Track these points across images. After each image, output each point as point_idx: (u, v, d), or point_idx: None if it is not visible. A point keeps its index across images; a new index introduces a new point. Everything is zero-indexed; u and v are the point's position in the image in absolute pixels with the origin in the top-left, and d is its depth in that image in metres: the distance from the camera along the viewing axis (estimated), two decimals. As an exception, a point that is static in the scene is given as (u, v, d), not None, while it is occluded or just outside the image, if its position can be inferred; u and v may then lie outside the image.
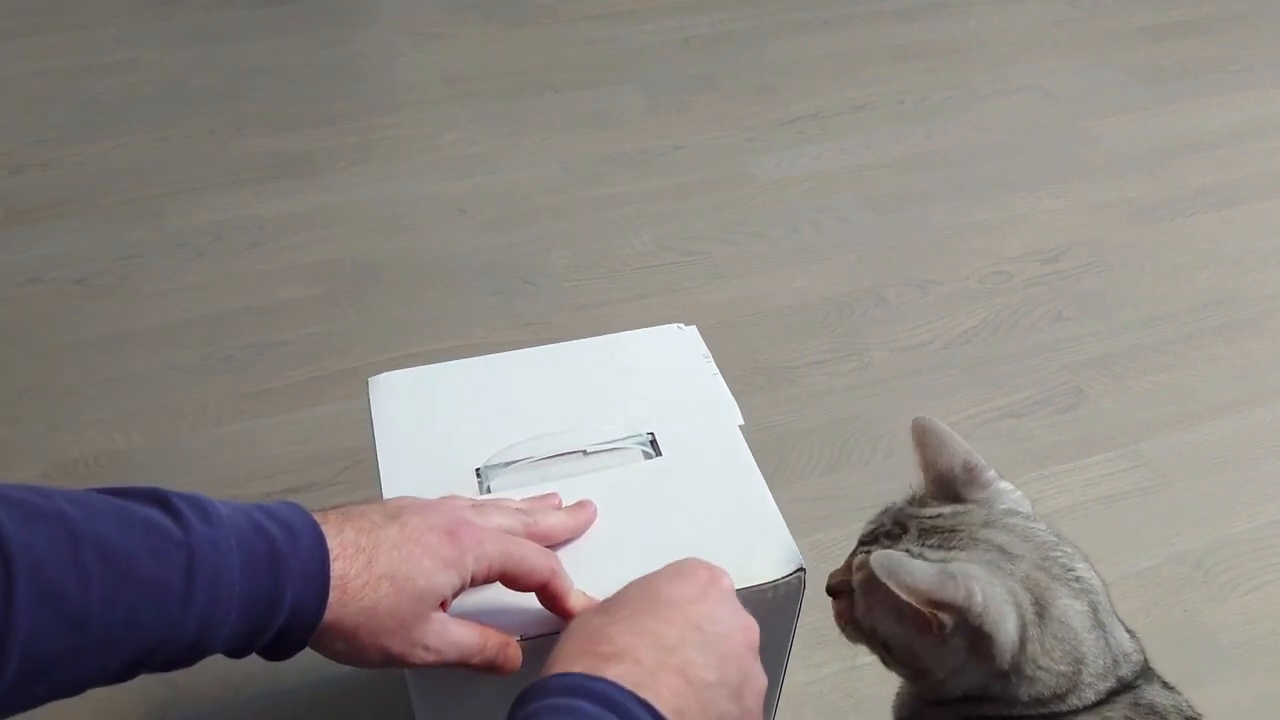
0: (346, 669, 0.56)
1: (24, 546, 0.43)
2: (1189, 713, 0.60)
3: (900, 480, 0.69)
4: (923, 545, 0.61)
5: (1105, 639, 0.59)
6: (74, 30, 1.98)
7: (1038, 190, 1.63)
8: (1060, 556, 0.60)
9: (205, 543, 0.48)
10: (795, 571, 0.63)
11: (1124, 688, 0.59)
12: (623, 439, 0.71)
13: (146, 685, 0.90)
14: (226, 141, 1.69)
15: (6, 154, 1.65)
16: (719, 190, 1.61)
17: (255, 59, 1.90)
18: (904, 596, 0.55)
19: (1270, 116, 1.81)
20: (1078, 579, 0.60)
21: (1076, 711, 0.58)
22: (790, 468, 1.18)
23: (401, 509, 0.56)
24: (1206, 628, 1.04)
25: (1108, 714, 0.58)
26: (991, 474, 0.64)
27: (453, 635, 0.55)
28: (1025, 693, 0.58)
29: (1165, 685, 0.61)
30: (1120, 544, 1.09)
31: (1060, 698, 0.58)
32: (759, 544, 0.64)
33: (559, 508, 0.64)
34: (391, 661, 0.54)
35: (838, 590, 0.66)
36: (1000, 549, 0.60)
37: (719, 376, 0.77)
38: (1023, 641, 0.57)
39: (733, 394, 0.76)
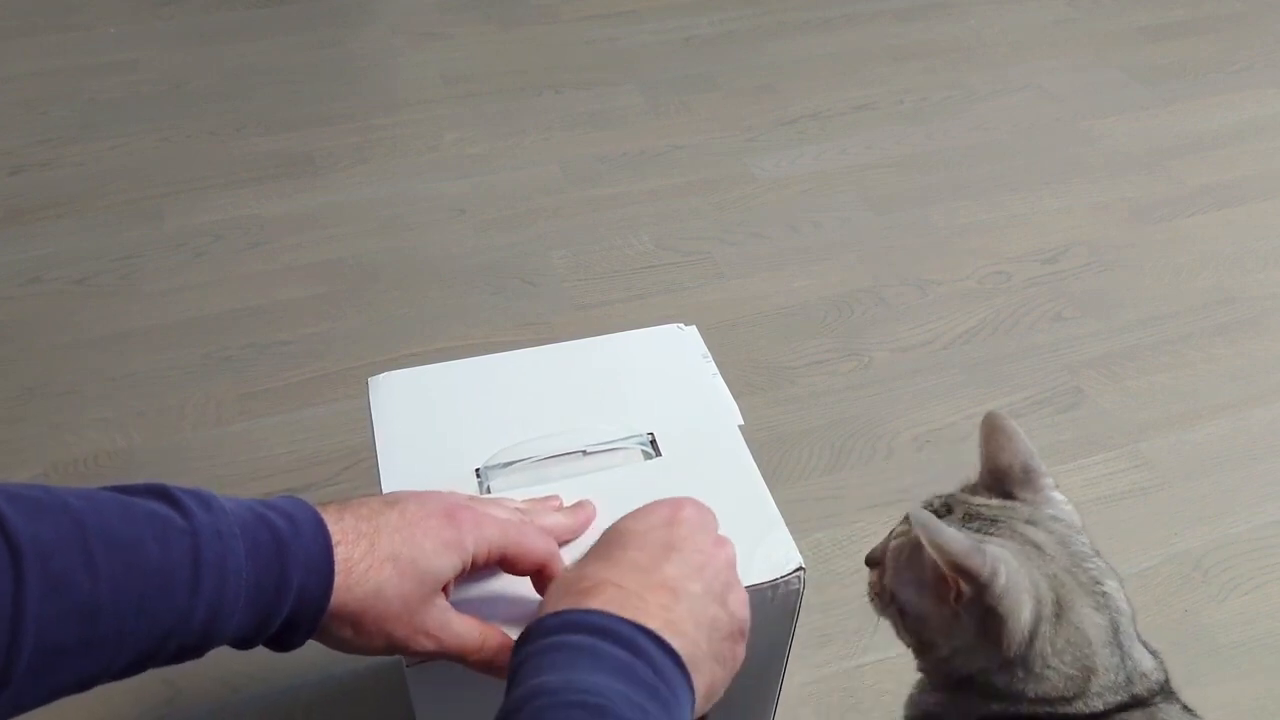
0: (345, 668, 0.56)
1: (32, 539, 0.43)
2: None
3: (900, 480, 0.69)
4: (964, 526, 0.61)
5: (1121, 657, 0.59)
6: (74, 30, 1.98)
7: (1037, 190, 1.63)
8: (1092, 569, 0.61)
9: (209, 531, 0.48)
10: (795, 571, 0.63)
11: (1139, 703, 0.59)
12: (622, 439, 0.71)
13: (146, 685, 0.90)
14: (226, 141, 1.69)
15: (6, 154, 1.65)
16: (719, 190, 1.61)
17: (255, 59, 1.91)
18: (932, 553, 0.56)
19: (1270, 116, 1.81)
20: (1104, 594, 0.60)
21: (1083, 717, 0.58)
22: (790, 468, 1.18)
23: (400, 497, 0.56)
24: (1206, 628, 1.04)
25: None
26: (1049, 481, 0.64)
27: (454, 626, 0.55)
28: (1032, 689, 0.58)
29: (1186, 708, 0.60)
30: (1120, 544, 1.09)
31: (1066, 700, 0.58)
32: (759, 544, 0.64)
33: (559, 509, 0.64)
34: (394, 648, 0.54)
35: (876, 560, 0.66)
36: (1036, 545, 0.60)
37: (719, 376, 0.77)
38: (1033, 636, 0.57)
39: (733, 394, 0.76)
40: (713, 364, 0.79)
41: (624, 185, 1.61)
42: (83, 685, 0.46)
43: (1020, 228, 1.55)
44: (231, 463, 1.18)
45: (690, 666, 0.48)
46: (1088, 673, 0.58)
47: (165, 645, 0.47)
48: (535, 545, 0.57)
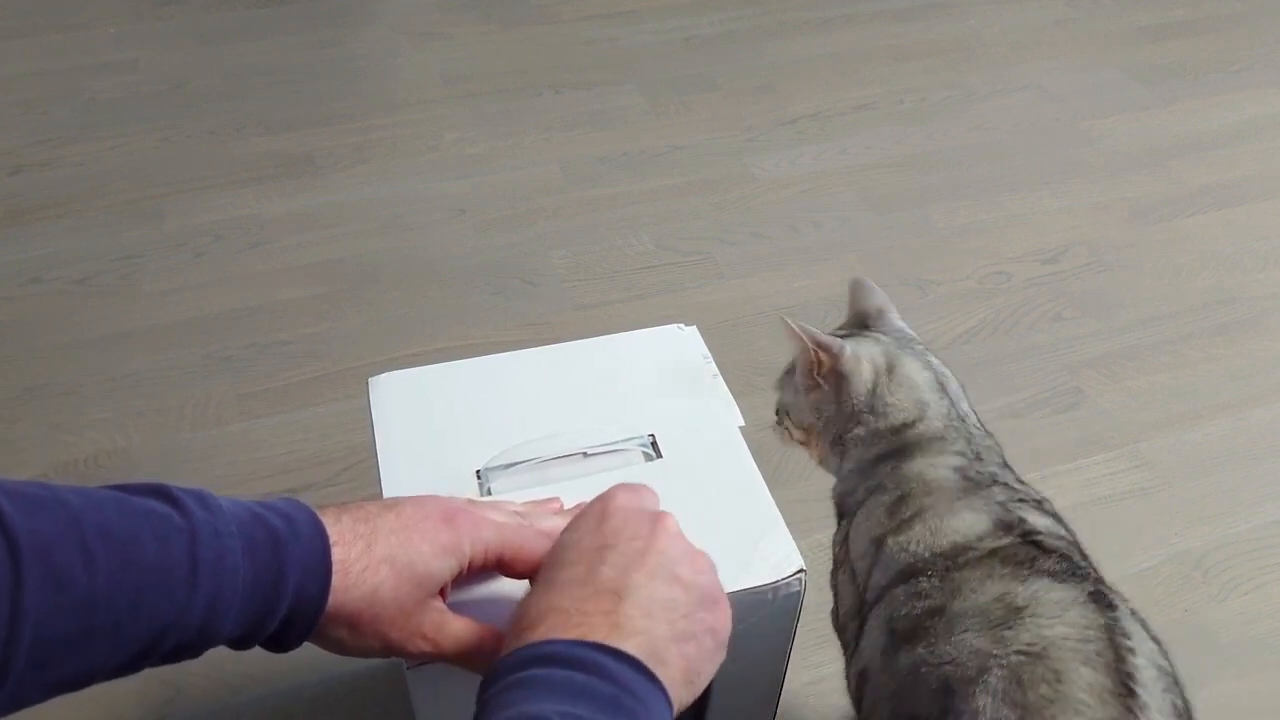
0: (345, 669, 0.56)
1: (30, 533, 0.43)
2: (1038, 496, 0.72)
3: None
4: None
5: (950, 403, 0.75)
6: (74, 30, 1.98)
7: (1037, 190, 1.63)
8: (923, 349, 0.79)
9: (207, 529, 0.48)
10: (795, 573, 0.63)
11: (979, 458, 0.72)
12: (623, 440, 0.71)
13: (146, 685, 0.91)
14: (226, 141, 1.69)
15: (6, 154, 1.65)
16: (719, 190, 1.61)
17: (255, 59, 1.91)
18: (802, 336, 0.75)
19: (1270, 116, 1.81)
20: (929, 362, 0.78)
21: (929, 439, 0.73)
22: (790, 468, 1.18)
23: (398, 501, 0.57)
24: (1206, 627, 1.04)
25: (964, 465, 0.72)
26: (895, 316, 0.83)
27: (450, 629, 0.55)
28: (883, 424, 0.75)
29: (1020, 480, 0.74)
30: (1120, 544, 1.09)
31: (910, 425, 0.74)
32: (759, 545, 0.64)
33: (559, 511, 0.64)
34: (390, 650, 0.54)
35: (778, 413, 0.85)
36: (877, 339, 0.79)
37: (719, 377, 0.77)
38: (874, 387, 0.75)
39: (733, 394, 0.76)
40: (713, 364, 0.79)
41: (624, 185, 1.61)
42: (81, 682, 0.46)
43: (1020, 228, 1.55)
44: (231, 463, 1.18)
45: (652, 661, 0.47)
46: (922, 406, 0.75)
47: (163, 642, 0.47)
48: (533, 547, 0.57)
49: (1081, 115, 1.80)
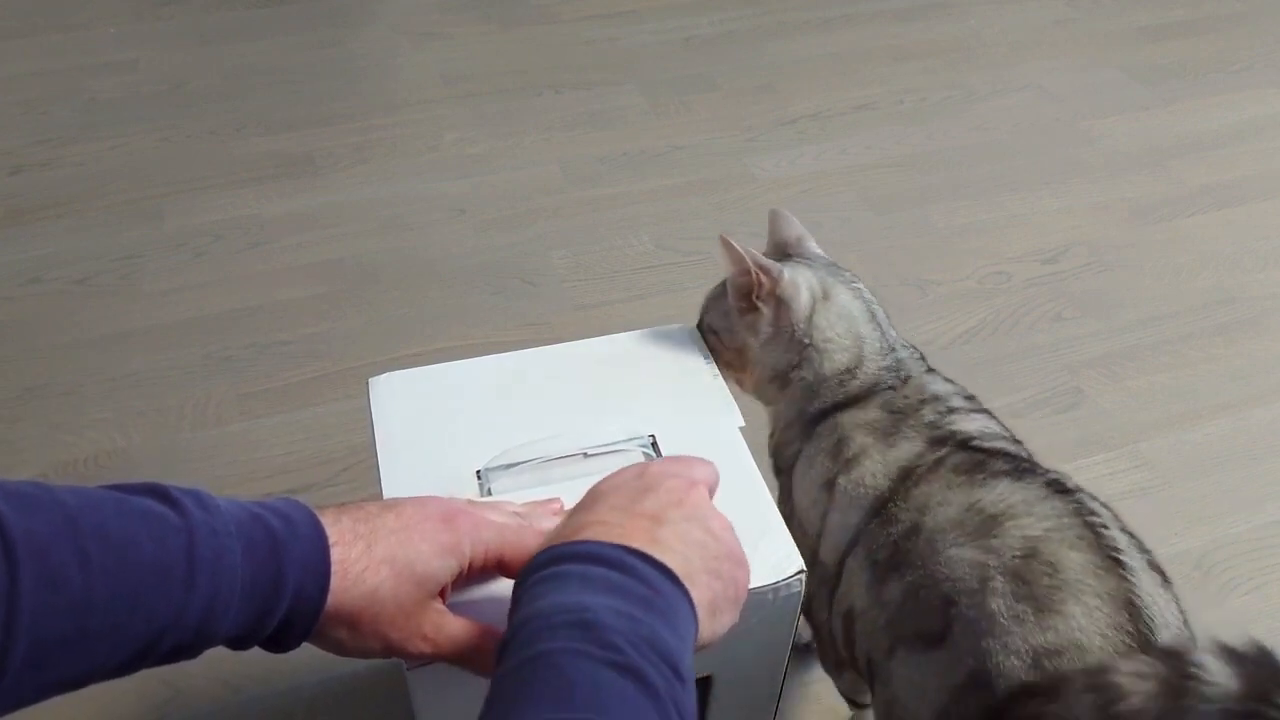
0: (345, 669, 0.56)
1: (26, 533, 0.43)
2: (966, 393, 0.78)
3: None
4: None
5: (881, 331, 0.79)
6: (74, 30, 1.98)
7: (1037, 190, 1.63)
8: (850, 276, 0.82)
9: (204, 528, 0.48)
10: (795, 573, 0.63)
11: (907, 381, 0.76)
12: (623, 441, 0.71)
13: (146, 685, 0.91)
14: (226, 141, 1.69)
15: (6, 154, 1.65)
16: (719, 190, 1.61)
17: (255, 59, 1.91)
18: (745, 257, 0.77)
19: (1270, 116, 1.81)
20: (859, 290, 0.81)
21: (867, 390, 0.76)
22: (790, 468, 1.18)
23: (398, 501, 0.57)
24: (1206, 627, 1.04)
25: (890, 399, 0.75)
26: (813, 244, 0.87)
27: (450, 629, 0.55)
28: (827, 366, 0.77)
29: (946, 379, 0.79)
30: (1120, 544, 1.09)
31: (851, 373, 0.77)
32: (759, 546, 0.64)
33: (559, 512, 0.64)
34: (390, 651, 0.54)
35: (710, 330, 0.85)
36: (810, 266, 0.82)
37: (719, 378, 0.77)
38: (811, 314, 0.78)
39: (733, 395, 0.76)
40: (713, 365, 0.79)
41: (624, 185, 1.61)
42: (78, 682, 0.46)
43: (1020, 228, 1.55)
44: (231, 463, 1.18)
45: (685, 579, 0.49)
46: (859, 341, 0.78)
47: (161, 642, 0.47)
48: (533, 548, 0.57)
49: (1081, 115, 1.80)
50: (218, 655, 0.52)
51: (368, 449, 0.71)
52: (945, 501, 0.67)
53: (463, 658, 0.55)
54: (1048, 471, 0.69)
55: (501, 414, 0.73)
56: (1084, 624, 0.59)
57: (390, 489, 0.67)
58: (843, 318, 0.78)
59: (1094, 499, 0.68)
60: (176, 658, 0.49)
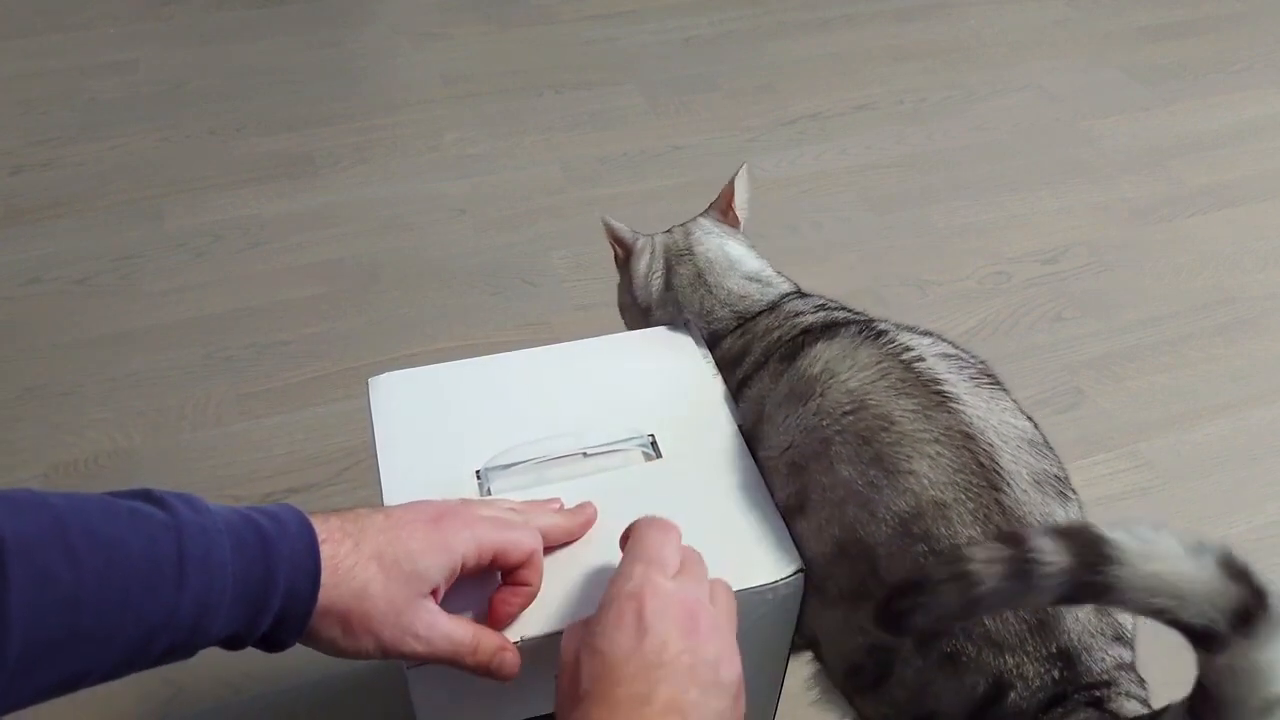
0: (345, 668, 0.56)
1: (14, 534, 0.43)
2: (829, 304, 0.80)
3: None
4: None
5: (708, 290, 0.82)
6: (74, 30, 1.98)
7: (1037, 190, 1.63)
8: (695, 232, 0.89)
9: (193, 526, 0.48)
10: (795, 572, 0.63)
11: (771, 309, 0.79)
12: (623, 440, 0.71)
13: (147, 684, 0.90)
14: (226, 141, 1.69)
15: (6, 154, 1.65)
16: (719, 190, 1.61)
17: (255, 59, 1.91)
18: (608, 232, 0.93)
19: (1270, 116, 1.81)
20: (720, 242, 0.87)
21: (726, 329, 0.80)
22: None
23: (389, 506, 0.57)
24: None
25: (748, 327, 0.79)
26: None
27: (443, 627, 0.55)
28: (687, 310, 0.82)
29: (817, 304, 0.80)
30: (1120, 544, 1.09)
31: (706, 318, 0.81)
32: (759, 545, 0.64)
33: (558, 511, 0.64)
34: (384, 651, 0.54)
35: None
36: (669, 233, 0.90)
37: (719, 377, 0.77)
38: (649, 273, 0.86)
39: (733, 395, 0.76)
40: (713, 364, 0.79)
41: (624, 185, 1.61)
42: (72, 684, 0.46)
43: (1020, 228, 1.55)
44: (231, 463, 1.18)
45: None
46: (710, 289, 0.82)
47: (154, 642, 0.47)
48: (526, 544, 0.58)
49: (1081, 115, 1.80)
50: (219, 655, 0.52)
51: (368, 449, 0.71)
52: (776, 385, 0.70)
53: (457, 657, 0.55)
54: (858, 318, 0.72)
55: (501, 414, 0.73)
56: (934, 477, 0.60)
57: (390, 489, 0.67)
58: (688, 281, 0.83)
59: (909, 331, 0.68)
60: (171, 658, 0.49)
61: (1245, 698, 0.46)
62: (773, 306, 0.80)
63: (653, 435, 0.72)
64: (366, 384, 0.76)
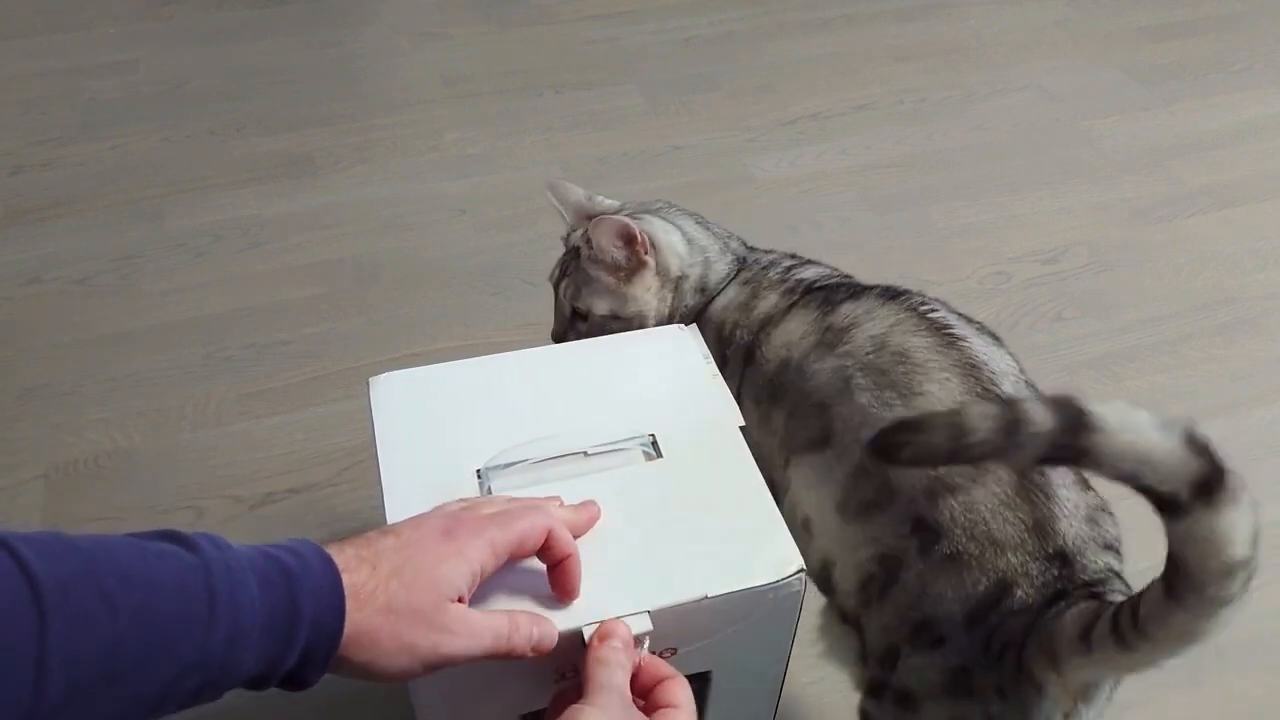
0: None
1: (50, 577, 0.43)
2: (790, 254, 0.90)
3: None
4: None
5: (712, 233, 0.91)
6: (74, 30, 1.98)
7: (1037, 190, 1.63)
8: (658, 207, 0.93)
9: (220, 565, 0.49)
10: (795, 573, 0.63)
11: (744, 258, 0.90)
12: (623, 440, 0.71)
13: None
14: (226, 141, 1.69)
15: (6, 154, 1.65)
16: (719, 190, 1.61)
17: (255, 59, 1.91)
18: (562, 208, 0.96)
19: (1270, 116, 1.81)
20: (678, 211, 0.92)
21: (723, 281, 0.88)
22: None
23: (394, 525, 0.57)
24: (1206, 628, 1.04)
25: (743, 277, 0.88)
26: (602, 197, 0.97)
27: (480, 619, 0.55)
28: (691, 283, 0.87)
29: (765, 250, 0.91)
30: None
31: (706, 277, 0.88)
32: (759, 545, 0.64)
33: (563, 506, 0.64)
34: (424, 662, 0.53)
35: (561, 335, 0.97)
36: (635, 212, 0.92)
37: (719, 377, 0.77)
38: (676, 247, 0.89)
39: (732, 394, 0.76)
40: (713, 364, 0.78)
41: (624, 185, 1.61)
42: None
43: (1020, 228, 1.55)
44: (231, 463, 1.18)
45: None
46: (705, 250, 0.89)
47: (185, 682, 0.47)
48: (533, 525, 0.58)
49: (1081, 115, 1.80)
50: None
51: (368, 449, 0.71)
52: (805, 334, 0.79)
53: (501, 641, 0.55)
54: (878, 286, 0.81)
55: (501, 414, 0.73)
56: (942, 397, 0.70)
57: (390, 488, 0.67)
58: (687, 238, 0.89)
59: (921, 295, 0.79)
60: (199, 698, 0.49)
61: (1207, 562, 0.53)
62: (744, 257, 0.91)
63: (653, 435, 0.72)
64: (367, 384, 0.76)
